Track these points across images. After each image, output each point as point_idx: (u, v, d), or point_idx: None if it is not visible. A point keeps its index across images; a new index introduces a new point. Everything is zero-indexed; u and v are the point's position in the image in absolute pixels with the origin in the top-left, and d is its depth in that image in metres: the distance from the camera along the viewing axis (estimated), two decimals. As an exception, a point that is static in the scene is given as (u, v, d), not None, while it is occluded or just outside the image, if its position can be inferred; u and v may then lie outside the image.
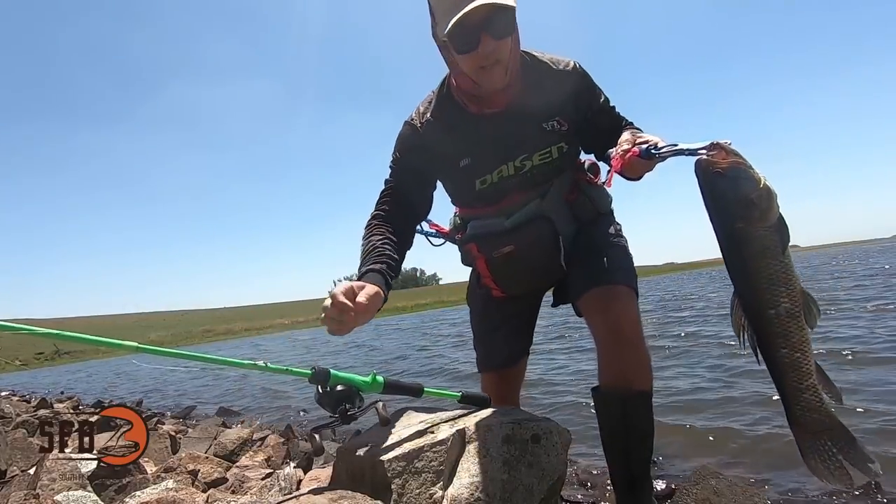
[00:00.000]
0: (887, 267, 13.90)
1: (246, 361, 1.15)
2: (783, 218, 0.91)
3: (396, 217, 1.30)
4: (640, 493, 1.28)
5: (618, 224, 1.49)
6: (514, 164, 1.32)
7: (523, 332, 1.58)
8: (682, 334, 5.87)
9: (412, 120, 1.33)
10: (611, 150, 1.21)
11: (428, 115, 1.30)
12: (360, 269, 1.19)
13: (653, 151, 1.09)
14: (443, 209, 1.50)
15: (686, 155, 1.00)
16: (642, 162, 1.12)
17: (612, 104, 1.40)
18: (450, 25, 1.09)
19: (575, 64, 1.32)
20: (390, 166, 1.36)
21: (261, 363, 1.14)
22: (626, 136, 1.17)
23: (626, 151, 1.12)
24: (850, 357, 3.60)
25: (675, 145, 1.05)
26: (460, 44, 1.12)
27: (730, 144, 0.92)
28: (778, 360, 0.93)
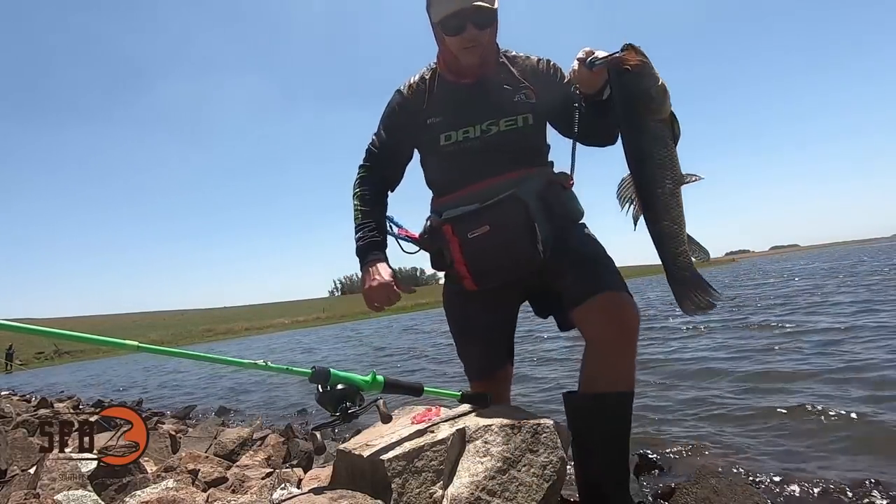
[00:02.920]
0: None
1: (246, 361, 1.16)
2: (674, 115, 1.12)
3: (376, 180, 1.54)
4: (626, 494, 1.31)
5: (593, 234, 1.51)
6: (480, 126, 1.42)
7: (503, 339, 1.57)
8: (682, 334, 5.88)
9: (400, 87, 1.53)
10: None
11: (414, 79, 1.51)
12: (363, 233, 1.46)
13: (593, 62, 1.22)
14: (415, 217, 1.54)
15: (610, 60, 1.16)
16: (586, 72, 1.25)
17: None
18: (443, 16, 1.35)
19: (542, 56, 1.50)
20: (377, 128, 1.55)
21: (261, 362, 1.14)
22: (581, 50, 1.28)
23: (577, 59, 1.27)
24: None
25: (610, 54, 1.19)
26: (450, 28, 1.36)
27: (640, 47, 1.11)
28: (660, 231, 1.13)
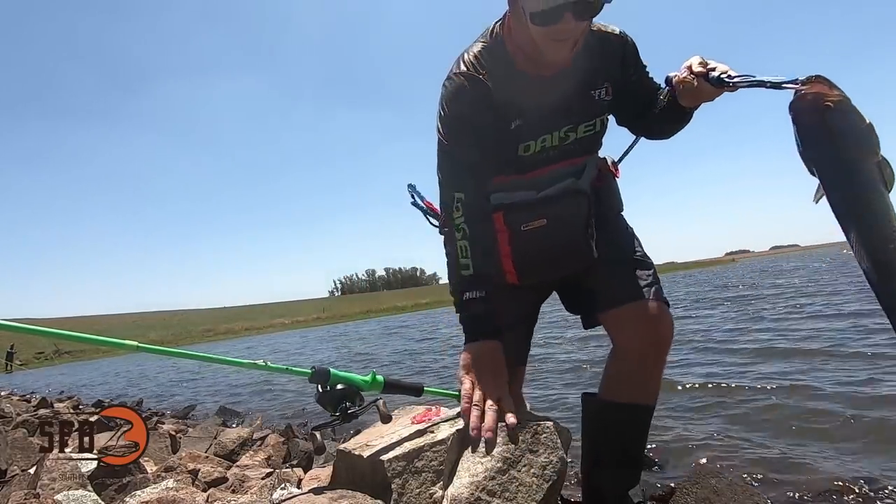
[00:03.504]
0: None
1: (246, 361, 1.15)
2: (885, 158, 0.91)
3: (477, 196, 1.20)
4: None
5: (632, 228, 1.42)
6: (559, 133, 1.23)
7: (521, 337, 1.42)
8: (681, 334, 5.87)
9: (467, 70, 1.17)
10: (671, 74, 1.15)
11: (484, 60, 1.18)
12: (481, 296, 1.14)
13: (724, 79, 1.02)
14: (430, 186, 1.36)
15: (768, 87, 0.94)
16: (707, 87, 1.06)
17: (649, 74, 1.33)
18: (540, 9, 1.04)
19: (623, 32, 1.27)
20: (446, 130, 1.20)
21: (261, 363, 1.14)
22: (695, 58, 1.10)
23: (693, 71, 1.07)
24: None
25: (753, 76, 0.98)
26: (542, 19, 1.05)
27: (828, 78, 0.89)
28: (891, 289, 0.89)
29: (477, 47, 1.21)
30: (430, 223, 1.50)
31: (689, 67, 1.09)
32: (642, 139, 1.41)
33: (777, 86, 0.92)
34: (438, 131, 1.21)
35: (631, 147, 1.38)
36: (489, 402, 1.07)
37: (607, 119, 1.31)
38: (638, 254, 1.33)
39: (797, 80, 0.90)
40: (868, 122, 0.89)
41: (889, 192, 0.89)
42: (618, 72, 1.25)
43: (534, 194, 1.24)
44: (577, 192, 1.25)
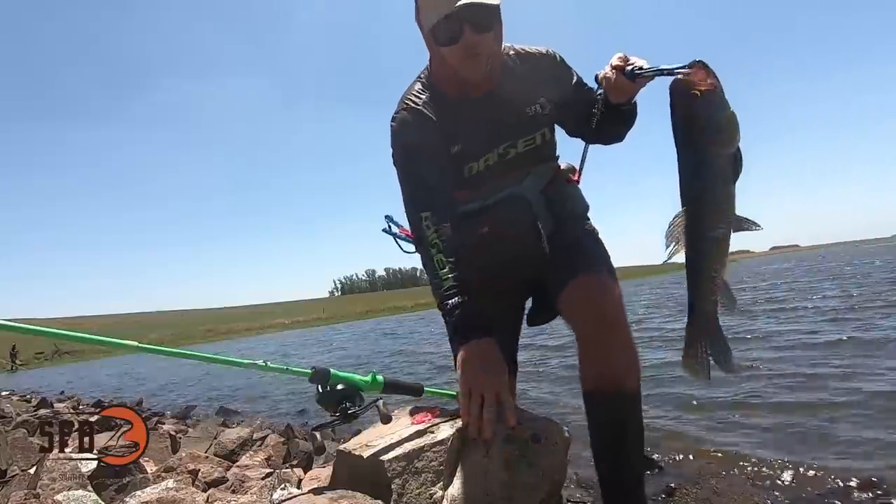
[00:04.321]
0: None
1: (246, 361, 1.16)
2: (740, 150, 0.96)
3: (444, 211, 1.21)
4: (635, 499, 1.19)
5: (595, 228, 1.43)
6: (498, 151, 1.29)
7: (504, 341, 1.36)
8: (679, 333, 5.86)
9: (407, 106, 1.27)
10: (598, 72, 1.19)
11: (422, 96, 1.27)
12: (462, 298, 1.12)
13: (636, 72, 1.09)
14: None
15: (666, 75, 1.01)
16: (626, 82, 1.11)
17: (584, 81, 1.37)
18: (434, 22, 1.13)
19: (547, 49, 1.34)
20: (401, 160, 1.27)
21: (261, 363, 1.14)
22: (617, 54, 1.15)
23: (612, 66, 1.13)
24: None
25: (659, 67, 1.05)
26: (443, 37, 1.15)
27: (710, 67, 0.94)
28: (701, 274, 1.02)
29: (414, 86, 1.30)
30: (401, 249, 1.58)
31: (610, 64, 1.14)
32: (594, 146, 1.46)
33: (671, 72, 0.99)
34: (395, 164, 1.29)
35: (584, 156, 1.44)
36: (488, 401, 1.05)
37: (550, 132, 1.35)
38: (580, 240, 1.34)
39: (686, 64, 0.96)
40: (730, 112, 0.94)
41: (734, 182, 0.97)
42: (551, 87, 1.31)
43: (479, 203, 1.32)
44: (515, 198, 1.30)
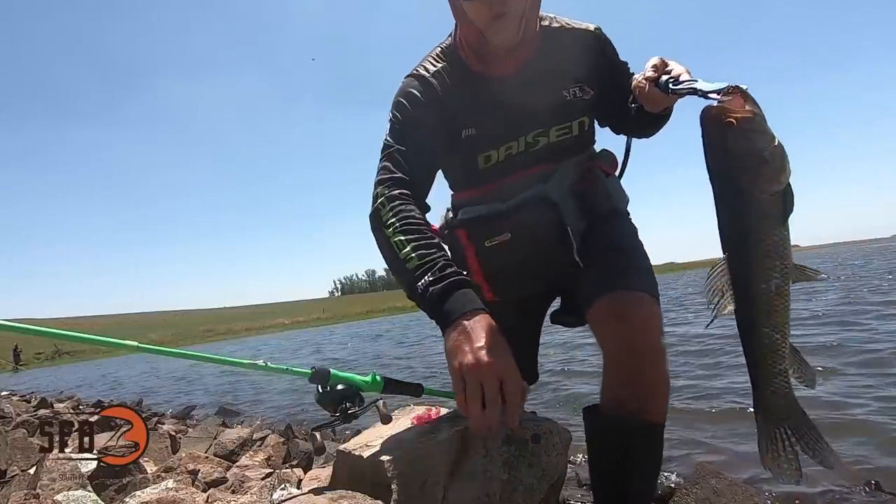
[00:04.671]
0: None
1: (246, 361, 1.15)
2: (790, 186, 0.80)
3: (412, 199, 1.02)
4: None
5: (635, 227, 1.26)
6: (525, 139, 1.12)
7: (524, 354, 1.28)
8: (680, 333, 5.87)
9: (419, 72, 1.11)
10: (636, 76, 1.04)
11: (435, 65, 1.11)
12: (435, 272, 0.89)
13: (670, 86, 0.95)
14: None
15: (699, 96, 0.88)
16: (659, 94, 0.97)
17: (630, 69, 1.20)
18: None
19: (596, 26, 1.17)
20: (392, 127, 1.09)
21: (261, 363, 1.14)
22: (653, 60, 1.00)
23: (646, 76, 0.98)
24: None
25: (695, 82, 0.91)
26: None
27: (747, 90, 0.80)
28: (757, 339, 0.84)
29: (434, 51, 1.14)
30: None
31: (644, 73, 1.00)
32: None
33: (705, 94, 0.86)
34: (387, 128, 1.12)
35: (627, 149, 1.25)
36: (490, 392, 0.79)
37: (590, 122, 1.19)
38: (622, 245, 1.17)
39: (721, 89, 0.83)
40: (776, 144, 0.78)
41: (784, 223, 0.80)
42: (594, 70, 1.14)
43: (498, 206, 1.14)
44: (542, 200, 1.13)
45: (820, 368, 3.29)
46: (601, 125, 1.26)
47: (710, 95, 0.84)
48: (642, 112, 1.07)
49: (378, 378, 1.22)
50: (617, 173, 1.27)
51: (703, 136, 0.84)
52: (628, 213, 1.26)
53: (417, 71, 1.11)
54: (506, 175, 1.16)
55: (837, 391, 2.83)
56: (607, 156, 1.26)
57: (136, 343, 1.09)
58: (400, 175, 1.03)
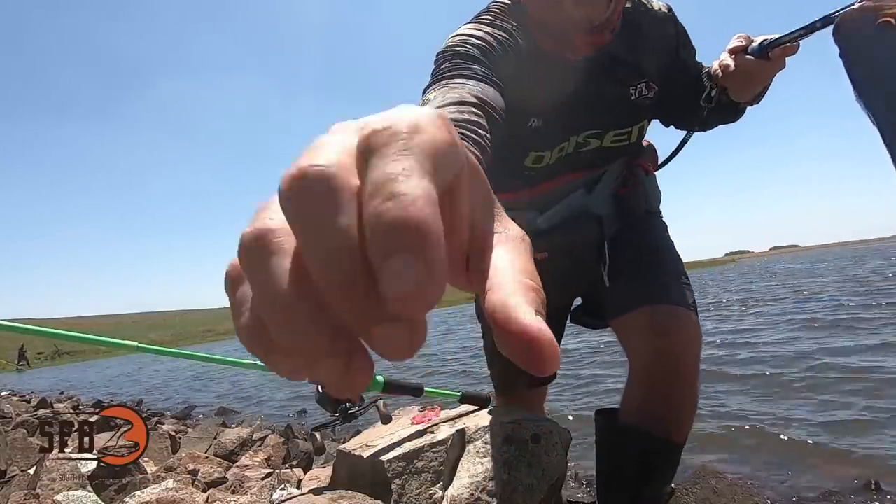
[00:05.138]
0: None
1: (246, 361, 1.16)
2: None
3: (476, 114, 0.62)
4: None
5: (665, 224, 1.17)
6: (577, 139, 0.96)
7: None
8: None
9: (484, 21, 0.81)
10: (709, 67, 0.93)
11: (509, 24, 0.82)
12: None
13: (766, 45, 0.82)
14: None
15: (820, 28, 0.74)
16: (754, 64, 0.83)
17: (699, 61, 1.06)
18: None
19: (670, 7, 0.97)
20: (446, 52, 0.74)
21: (260, 363, 1.14)
22: (734, 39, 0.89)
23: (730, 51, 0.86)
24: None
25: (798, 29, 0.79)
26: None
27: None
28: None
29: (491, 7, 0.86)
30: None
31: (727, 49, 0.88)
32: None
33: (829, 19, 0.72)
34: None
35: (682, 144, 1.09)
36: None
37: (647, 125, 1.04)
38: (657, 249, 1.09)
39: (845, 7, 0.70)
40: None
41: None
42: (664, 62, 0.97)
43: (537, 219, 1.03)
44: (588, 216, 1.04)
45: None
46: (665, 125, 1.12)
47: (835, 15, 0.72)
48: (722, 105, 0.96)
49: (378, 378, 1.22)
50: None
51: (846, 54, 0.71)
52: (660, 212, 1.18)
53: (480, 21, 0.81)
54: (549, 179, 1.01)
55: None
56: (651, 150, 1.14)
57: (135, 343, 1.10)
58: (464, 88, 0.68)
